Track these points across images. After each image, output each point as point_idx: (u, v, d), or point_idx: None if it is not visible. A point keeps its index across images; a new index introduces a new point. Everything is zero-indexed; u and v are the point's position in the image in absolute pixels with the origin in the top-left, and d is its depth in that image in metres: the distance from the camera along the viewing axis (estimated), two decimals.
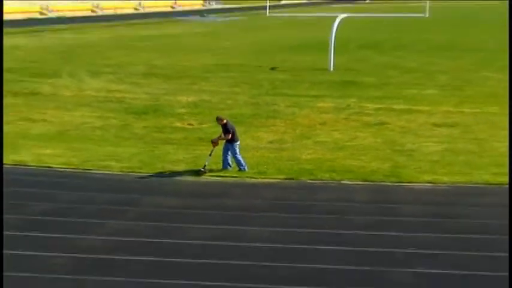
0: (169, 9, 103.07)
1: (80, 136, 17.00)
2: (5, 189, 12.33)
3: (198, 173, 13.23)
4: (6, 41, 46.09)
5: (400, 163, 14.07)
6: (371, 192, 12.37)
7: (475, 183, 12.69)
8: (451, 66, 31.49)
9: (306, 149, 15.42)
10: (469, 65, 31.70)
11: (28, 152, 15.03)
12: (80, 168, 13.80)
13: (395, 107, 20.70)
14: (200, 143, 15.34)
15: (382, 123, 18.24)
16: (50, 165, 14.02)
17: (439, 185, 12.65)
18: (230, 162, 13.53)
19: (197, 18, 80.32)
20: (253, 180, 13.04)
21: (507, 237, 10.02)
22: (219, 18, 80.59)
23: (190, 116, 19.49)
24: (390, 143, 15.99)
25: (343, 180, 12.95)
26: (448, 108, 20.40)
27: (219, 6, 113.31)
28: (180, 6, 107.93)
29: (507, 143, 15.80)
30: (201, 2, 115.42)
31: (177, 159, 14.49)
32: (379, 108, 20.44)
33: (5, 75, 28.04)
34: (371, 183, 12.79)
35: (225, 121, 13.41)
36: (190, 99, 22.35)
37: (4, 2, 79.66)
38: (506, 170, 13.45)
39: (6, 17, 71.99)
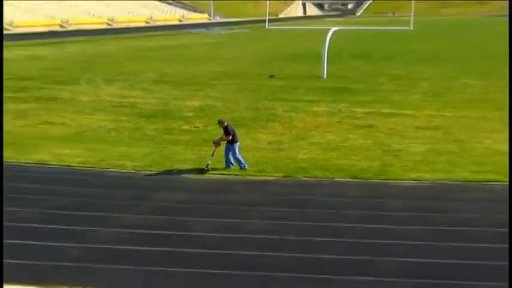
0: (177, 22, 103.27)
1: (96, 137, 16.99)
2: (27, 186, 12.39)
3: (201, 171, 13.24)
4: (30, 51, 46.34)
5: (388, 162, 14.06)
6: (361, 188, 12.35)
7: (455, 181, 12.67)
8: (433, 74, 31.49)
9: (302, 149, 15.41)
10: (450, 73, 31.69)
11: (48, 152, 15.02)
12: (96, 167, 13.79)
13: (383, 111, 20.70)
14: (205, 143, 15.30)
15: (371, 126, 18.23)
16: (69, 164, 14.01)
17: (423, 182, 12.63)
18: (232, 161, 13.52)
19: (203, 30, 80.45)
20: (253, 177, 13.03)
21: (485, 228, 10.03)
22: (223, 31, 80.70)
23: (197, 119, 19.49)
24: (378, 143, 15.98)
25: (336, 177, 12.93)
26: (431, 112, 20.39)
27: (223, 19, 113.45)
28: (187, 20, 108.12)
29: (491, 142, 15.86)
30: (207, 16, 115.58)
31: (185, 158, 14.49)
32: (369, 112, 20.43)
33: (29, 83, 28.17)
34: (361, 180, 12.78)
35: (226, 124, 13.41)
36: (197, 104, 22.34)
37: (28, 16, 79.89)
38: (484, 168, 13.47)
39: (30, 29, 72.34)
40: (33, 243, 9.41)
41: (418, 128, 17.98)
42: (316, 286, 8.06)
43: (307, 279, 8.22)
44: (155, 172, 13.42)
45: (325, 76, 29.77)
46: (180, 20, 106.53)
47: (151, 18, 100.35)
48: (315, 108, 21.18)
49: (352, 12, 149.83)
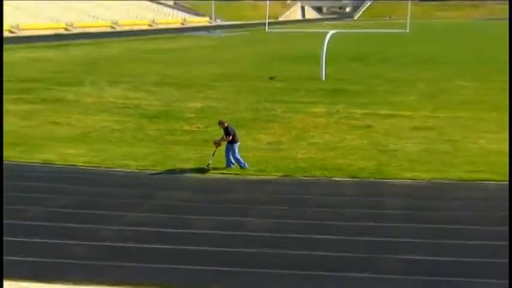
0: (179, 25, 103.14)
1: (100, 138, 17.01)
2: (33, 184, 12.42)
3: (203, 170, 13.26)
4: (36, 54, 46.30)
5: (384, 162, 14.08)
6: (358, 187, 12.39)
7: (449, 180, 12.70)
8: (429, 76, 31.48)
9: (301, 149, 15.43)
10: (445, 75, 31.68)
11: (54, 151, 15.05)
12: (100, 166, 13.82)
13: (380, 112, 20.70)
14: (206, 144, 15.32)
15: (368, 127, 18.25)
16: (74, 163, 14.04)
17: (418, 181, 12.66)
18: (233, 161, 13.55)
19: (204, 33, 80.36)
20: (253, 177, 13.06)
21: (479, 226, 10.07)
22: (224, 34, 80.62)
23: (198, 120, 19.51)
24: (375, 144, 16.00)
25: (334, 177, 12.96)
26: (426, 114, 20.41)
27: (224, 23, 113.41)
28: (189, 23, 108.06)
29: (478, 143, 15.90)
30: (208, 19, 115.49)
31: (186, 158, 14.51)
32: (366, 113, 20.44)
33: (35, 84, 28.18)
34: (358, 179, 12.81)
35: (226, 124, 13.44)
36: (198, 105, 22.36)
37: (33, 19, 79.85)
38: (478, 168, 13.50)
39: (36, 32, 72.26)
40: (39, 240, 9.44)
41: (414, 128, 18.00)
42: (315, 282, 8.09)
43: (306, 276, 8.26)
44: (158, 171, 13.45)
45: (323, 78, 29.76)
46: (182, 23, 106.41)
47: (154, 21, 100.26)
48: (314, 110, 21.20)
49: (350, 15, 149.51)
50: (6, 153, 14.85)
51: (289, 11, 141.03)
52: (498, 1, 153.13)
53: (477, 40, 63.09)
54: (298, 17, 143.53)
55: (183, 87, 27.60)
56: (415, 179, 12.74)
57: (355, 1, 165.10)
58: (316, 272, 8.36)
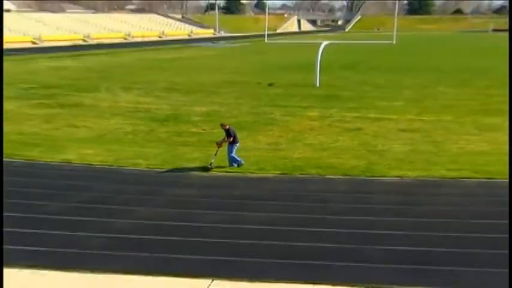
0: (186, 37, 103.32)
1: (114, 139, 17.00)
2: (53, 182, 12.41)
3: (206, 169, 13.24)
4: (56, 62, 46.32)
5: (373, 161, 14.07)
6: (350, 184, 12.36)
7: (433, 177, 12.68)
8: (414, 83, 31.45)
9: (297, 149, 15.42)
10: (429, 82, 31.66)
11: (73, 152, 15.04)
12: (114, 165, 13.81)
13: (369, 115, 20.69)
14: (211, 144, 15.24)
15: (358, 129, 18.23)
16: (91, 162, 14.03)
17: (405, 178, 12.64)
18: (232, 162, 13.49)
19: (209, 44, 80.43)
20: (254, 174, 13.04)
21: (459, 220, 10.05)
22: (227, 44, 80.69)
23: (204, 123, 19.48)
24: (365, 144, 15.98)
25: (327, 174, 12.94)
26: (411, 117, 20.38)
27: (227, 34, 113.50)
28: (195, 34, 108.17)
29: (461, 144, 15.88)
30: (212, 31, 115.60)
31: (193, 157, 14.49)
32: (356, 117, 20.42)
33: (54, 90, 28.18)
34: (350, 177, 12.79)
35: (227, 127, 13.44)
36: (204, 109, 22.35)
37: (55, 31, 79.90)
38: (459, 166, 13.49)
39: (55, 43, 72.35)
40: (58, 232, 9.43)
41: (400, 130, 17.98)
42: (310, 271, 8.08)
43: (303, 265, 8.25)
44: (166, 170, 13.44)
45: (318, 85, 29.75)
46: (188, 35, 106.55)
47: (163, 33, 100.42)
48: (309, 113, 21.18)
49: (342, 27, 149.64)
50: (29, 153, 14.89)
51: (286, 24, 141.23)
52: (476, 15, 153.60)
53: (457, 50, 63.09)
54: (295, 29, 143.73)
55: (190, 93, 27.59)
56: (402, 177, 12.71)
57: (347, 14, 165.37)
58: (311, 261, 8.35)
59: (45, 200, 11.02)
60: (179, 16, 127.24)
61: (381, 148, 15.49)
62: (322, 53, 31.41)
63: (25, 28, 78.09)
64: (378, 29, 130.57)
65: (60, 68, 41.07)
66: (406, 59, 49.10)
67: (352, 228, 9.61)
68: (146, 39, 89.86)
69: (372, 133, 17.58)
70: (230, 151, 13.40)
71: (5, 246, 8.85)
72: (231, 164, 13.49)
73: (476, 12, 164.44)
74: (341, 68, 40.65)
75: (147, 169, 13.50)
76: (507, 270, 8.05)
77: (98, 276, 7.97)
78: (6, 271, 8.07)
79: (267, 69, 40.03)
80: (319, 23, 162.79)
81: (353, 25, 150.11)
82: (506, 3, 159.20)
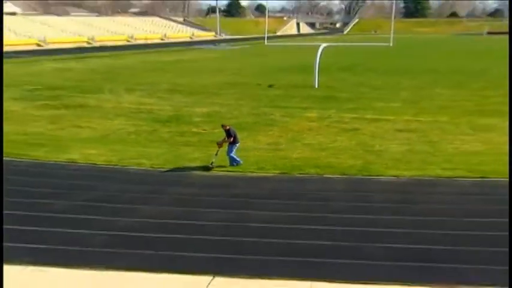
0: (188, 39, 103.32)
1: (118, 139, 17.00)
2: (58, 181, 12.42)
3: (207, 168, 13.25)
4: (61, 64, 46.33)
5: (370, 160, 14.07)
6: (347, 183, 12.36)
7: (429, 176, 12.69)
8: (410, 84, 31.47)
9: (296, 149, 15.42)
10: (425, 84, 31.68)
11: (77, 152, 15.04)
12: (118, 165, 13.81)
13: (367, 116, 20.70)
14: (212, 144, 15.25)
15: (356, 129, 18.24)
16: (95, 162, 14.03)
17: (401, 178, 12.64)
18: (233, 161, 13.51)
19: (210, 46, 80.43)
20: (254, 174, 13.04)
21: (454, 218, 10.05)
22: (228, 47, 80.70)
23: (205, 123, 19.49)
24: (362, 144, 15.99)
25: (326, 174, 12.95)
26: (408, 118, 20.39)
27: (228, 37, 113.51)
28: (197, 37, 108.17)
29: (455, 144, 15.88)
30: (214, 33, 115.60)
31: (194, 157, 14.50)
32: (354, 118, 20.43)
33: (59, 92, 28.19)
34: (347, 176, 12.79)
35: (228, 127, 13.45)
36: (205, 110, 22.36)
37: (60, 34, 79.89)
38: (454, 166, 13.50)
39: (60, 46, 72.33)
40: (63, 230, 9.44)
41: (397, 131, 17.98)
42: (309, 268, 8.08)
43: (302, 262, 8.26)
44: (169, 169, 13.44)
45: (316, 86, 29.76)
46: (190, 38, 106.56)
47: (165, 35, 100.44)
48: (308, 114, 21.19)
49: (340, 30, 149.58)
50: (35, 153, 14.89)
51: (285, 27, 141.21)
52: (471, 18, 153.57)
53: (452, 52, 63.11)
54: (294, 32, 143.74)
55: (192, 94, 27.61)
56: (398, 176, 12.72)
57: (345, 17, 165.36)
58: (310, 258, 8.36)
59: (51, 199, 11.03)
60: (181, 19, 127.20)
61: (378, 148, 15.49)
62: (320, 55, 31.42)
63: (30, 31, 78.11)
64: (375, 32, 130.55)
65: (64, 70, 41.08)
66: (403, 61, 49.10)
67: (351, 226, 9.61)
68: (149, 41, 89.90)
69: (369, 133, 17.58)
70: (230, 151, 13.40)
71: (9, 244, 8.86)
72: (231, 164, 13.50)
73: (471, 15, 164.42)
74: (339, 69, 40.66)
75: (150, 168, 13.50)
76: (502, 267, 8.06)
77: (102, 273, 7.97)
78: (11, 268, 8.08)
79: (267, 71, 40.02)
80: (317, 25, 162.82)
81: (351, 28, 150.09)
82: (501, 6, 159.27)
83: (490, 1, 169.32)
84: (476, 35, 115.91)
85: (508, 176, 12.00)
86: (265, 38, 41.82)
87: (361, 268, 8.08)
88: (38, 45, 73.55)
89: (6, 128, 18.51)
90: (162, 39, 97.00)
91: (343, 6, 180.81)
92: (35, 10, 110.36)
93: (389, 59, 51.72)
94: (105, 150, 15.30)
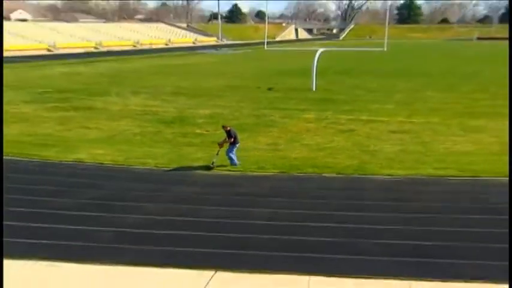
0: (191, 44, 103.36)
1: (124, 140, 16.99)
2: (67, 180, 12.39)
3: (208, 168, 13.23)
4: (70, 68, 46.32)
5: (366, 160, 14.06)
6: (344, 182, 12.34)
7: (422, 175, 12.67)
8: (404, 87, 31.47)
9: (295, 149, 15.41)
10: (418, 87, 31.68)
11: (85, 151, 15.03)
12: (124, 164, 13.79)
13: (362, 118, 20.69)
14: (214, 145, 15.24)
15: (352, 130, 18.22)
16: (102, 161, 14.02)
17: (395, 176, 12.63)
18: (229, 158, 13.47)
19: (213, 51, 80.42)
20: (254, 173, 13.02)
21: (445, 215, 10.03)
22: (229, 51, 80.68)
23: (207, 124, 19.47)
24: (358, 145, 15.97)
25: (323, 173, 12.93)
26: (402, 119, 20.38)
27: (230, 42, 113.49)
28: (199, 42, 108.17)
29: (450, 144, 15.86)
30: (216, 39, 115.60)
31: (197, 157, 14.48)
32: (350, 119, 20.42)
33: (68, 94, 28.17)
34: (344, 175, 12.78)
35: (228, 128, 13.42)
36: (207, 112, 22.35)
37: (69, 39, 79.90)
38: (445, 165, 13.48)
39: (69, 51, 72.35)
40: (71, 227, 9.42)
41: (391, 132, 17.97)
42: (308, 263, 8.07)
43: (300, 257, 8.24)
44: (172, 168, 13.43)
45: (314, 89, 29.75)
46: (193, 43, 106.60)
47: (169, 41, 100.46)
48: (306, 116, 21.18)
49: (336, 36, 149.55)
50: (44, 153, 14.88)
51: (284, 32, 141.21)
52: (461, 24, 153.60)
53: (444, 57, 63.11)
54: (292, 37, 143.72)
55: (195, 96, 27.59)
56: (392, 175, 12.70)
57: (341, 23, 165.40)
58: (308, 254, 8.34)
59: (60, 197, 11.01)
60: (184, 25, 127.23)
61: (373, 148, 15.48)
62: (318, 59, 31.40)
63: (41, 36, 78.13)
64: (370, 37, 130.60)
65: (73, 74, 41.06)
66: (397, 65, 49.09)
67: (347, 223, 9.60)
68: (154, 46, 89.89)
69: (364, 134, 17.56)
70: (229, 151, 13.38)
71: (21, 240, 8.86)
72: (232, 163, 13.46)
73: (461, 21, 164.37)
74: (336, 73, 40.64)
75: (154, 168, 13.49)
76: (492, 262, 8.05)
77: (109, 268, 7.96)
78: (23, 263, 8.07)
79: (266, 75, 40.02)
80: (315, 31, 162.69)
81: (347, 33, 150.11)
82: (490, 13, 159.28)
83: (479, 8, 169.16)
84: (466, 40, 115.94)
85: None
86: (265, 43, 41.77)
87: (357, 263, 8.06)
88: (48, 50, 73.57)
89: (17, 128, 18.52)
90: (166, 44, 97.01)
91: (339, 12, 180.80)
92: (45, 17, 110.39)
93: (383, 63, 51.71)
94: (112, 150, 15.28)
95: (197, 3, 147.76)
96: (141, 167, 13.58)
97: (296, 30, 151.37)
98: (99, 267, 7.97)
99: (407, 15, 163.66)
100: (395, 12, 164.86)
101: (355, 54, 61.95)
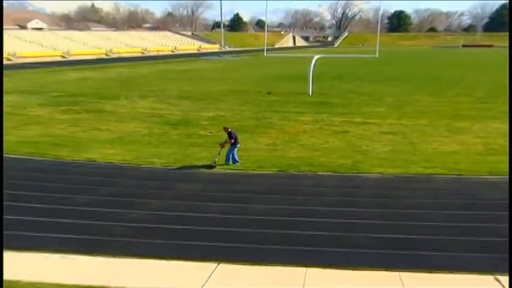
0: (195, 51, 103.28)
1: (132, 141, 16.98)
2: (79, 178, 12.39)
3: (210, 166, 13.23)
4: (82, 74, 46.29)
5: (359, 159, 14.05)
6: (338, 180, 12.34)
7: (411, 174, 12.67)
8: (394, 91, 31.45)
9: (292, 149, 15.40)
10: (406, 91, 31.66)
11: (96, 151, 15.03)
12: (132, 163, 13.79)
13: (355, 120, 20.68)
14: (217, 145, 15.27)
15: (345, 132, 18.22)
16: (112, 161, 14.01)
17: (386, 175, 12.63)
18: (237, 159, 13.51)
19: (215, 57, 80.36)
20: (254, 172, 13.02)
21: (432, 211, 10.04)
22: (231, 58, 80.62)
23: (210, 126, 19.46)
24: (351, 145, 15.97)
25: (319, 171, 12.93)
26: (392, 121, 20.37)
27: (231, 49, 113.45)
28: (203, 49, 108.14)
29: (438, 145, 15.86)
30: (218, 46, 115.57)
31: (201, 157, 14.47)
32: (344, 121, 20.41)
33: (80, 98, 28.17)
34: (338, 174, 12.77)
35: (229, 130, 13.42)
36: (210, 114, 22.34)
37: (81, 47, 79.91)
38: (433, 165, 13.47)
39: (82, 57, 72.32)
40: (83, 222, 9.42)
41: (382, 133, 17.96)
42: (303, 256, 8.07)
43: (296, 250, 8.25)
44: (178, 167, 13.42)
45: (310, 93, 29.72)
46: (197, 50, 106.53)
47: (175, 48, 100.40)
48: (303, 118, 21.17)
49: (331, 43, 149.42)
50: (57, 152, 14.88)
51: (282, 40, 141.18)
52: (448, 33, 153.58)
53: (431, 63, 63.07)
54: (290, 44, 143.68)
55: (199, 100, 27.58)
56: (383, 173, 12.70)
57: (335, 32, 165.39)
58: (305, 247, 8.34)
59: (72, 194, 11.01)
60: (189, 33, 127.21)
61: (365, 148, 15.48)
62: (314, 65, 31.39)
63: (55, 44, 78.15)
64: (363, 45, 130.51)
65: (85, 79, 41.04)
66: (388, 71, 49.04)
67: (341, 218, 9.60)
68: (160, 53, 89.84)
69: (357, 135, 17.56)
70: (230, 151, 13.38)
71: (37, 234, 8.86)
72: (233, 163, 13.48)
73: (448, 30, 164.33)
74: (331, 78, 40.61)
75: (160, 167, 13.49)
76: (475, 254, 8.06)
77: (119, 260, 7.97)
78: (38, 256, 8.08)
79: (266, 80, 39.99)
80: (311, 39, 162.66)
81: (341, 41, 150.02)
82: (474, 22, 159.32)
83: (464, 17, 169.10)
84: (453, 48, 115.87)
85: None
86: (265, 50, 41.72)
87: (350, 255, 8.07)
88: (62, 57, 73.54)
89: (33, 130, 18.53)
90: (172, 51, 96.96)
91: (334, 22, 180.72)
92: (60, 26, 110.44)
93: (375, 68, 51.66)
94: (122, 150, 15.28)
95: (201, 12, 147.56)
96: (148, 165, 13.58)
97: (294, 38, 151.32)
98: (111, 259, 7.97)
99: (398, 24, 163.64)
100: (386, 21, 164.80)
101: (348, 61, 61.91)
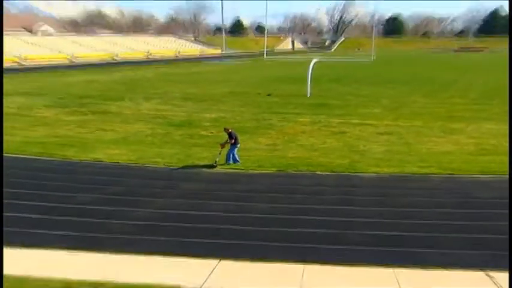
0: (198, 55, 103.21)
1: (137, 141, 16.95)
2: (86, 177, 12.36)
3: (211, 166, 13.19)
4: (88, 77, 46.25)
5: (356, 159, 14.02)
6: (336, 179, 12.31)
7: (406, 173, 12.64)
8: (390, 93, 31.40)
9: (292, 149, 15.37)
10: (403, 93, 31.61)
11: (102, 152, 14.99)
12: (137, 163, 13.76)
13: (352, 121, 20.64)
14: (217, 146, 15.25)
15: (343, 132, 18.18)
16: (117, 161, 13.98)
17: (382, 174, 12.59)
18: (238, 158, 13.46)
19: (217, 61, 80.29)
20: (254, 171, 12.98)
21: (427, 209, 9.99)
22: (232, 61, 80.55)
23: (212, 127, 19.42)
24: (349, 146, 15.93)
25: (317, 171, 12.89)
26: (388, 122, 20.33)
27: (233, 53, 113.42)
28: (205, 53, 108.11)
29: (435, 146, 15.82)
30: (220, 50, 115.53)
31: (203, 156, 14.43)
32: (341, 122, 20.37)
33: (86, 100, 28.13)
34: (336, 173, 12.74)
35: (230, 130, 13.39)
36: (212, 115, 22.31)
37: (88, 50, 79.90)
38: (427, 164, 13.43)
39: (88, 60, 72.34)
40: (87, 220, 9.39)
41: (379, 134, 17.92)
42: (301, 253, 8.03)
43: (296, 247, 8.22)
44: (180, 167, 13.39)
45: (309, 95, 29.69)
46: (200, 53, 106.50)
47: (178, 52, 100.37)
48: (301, 119, 21.13)
49: (329, 47, 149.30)
50: (64, 152, 14.85)
51: (282, 44, 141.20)
52: (443, 37, 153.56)
53: (425, 66, 63.03)
54: (289, 48, 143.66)
55: (201, 101, 27.54)
56: (379, 173, 12.67)
57: (333, 36, 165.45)
58: (304, 244, 8.31)
59: (77, 192, 10.98)
60: (192, 38, 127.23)
61: (362, 149, 15.44)
62: (312, 68, 31.36)
63: (63, 48, 78.18)
64: (359, 49, 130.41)
65: (91, 81, 41.01)
66: (383, 74, 49.01)
67: (339, 216, 9.56)
68: (164, 57, 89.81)
69: (354, 136, 17.52)
70: (230, 151, 13.35)
71: (44, 231, 8.83)
72: (234, 162, 13.44)
73: (441, 34, 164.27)
74: (328, 81, 40.57)
75: (164, 166, 13.46)
76: (468, 251, 8.02)
77: (124, 256, 7.94)
78: (45, 252, 8.05)
79: (265, 82, 39.96)
80: (309, 43, 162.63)
81: (338, 45, 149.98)
82: (467, 27, 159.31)
83: (457, 23, 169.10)
84: (446, 51, 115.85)
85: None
86: (265, 54, 41.70)
87: (346, 252, 8.03)
88: (70, 60, 73.57)
89: (40, 131, 18.50)
90: (175, 55, 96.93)
91: (331, 26, 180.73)
92: (67, 30, 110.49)
93: (371, 71, 51.62)
94: (126, 150, 15.25)
95: (204, 19, 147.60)
96: (152, 165, 13.54)
97: (292, 42, 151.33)
98: (116, 256, 7.94)
99: (393, 28, 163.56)
100: (382, 26, 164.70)
101: (345, 64, 61.88)
